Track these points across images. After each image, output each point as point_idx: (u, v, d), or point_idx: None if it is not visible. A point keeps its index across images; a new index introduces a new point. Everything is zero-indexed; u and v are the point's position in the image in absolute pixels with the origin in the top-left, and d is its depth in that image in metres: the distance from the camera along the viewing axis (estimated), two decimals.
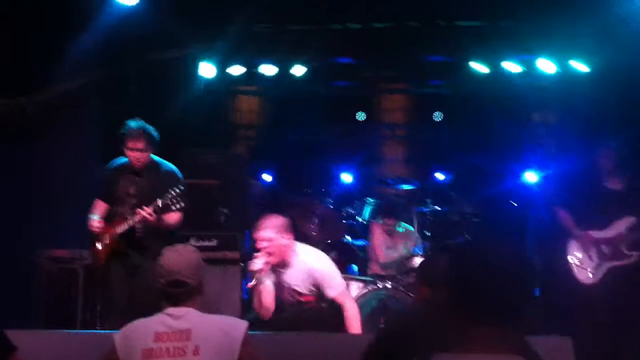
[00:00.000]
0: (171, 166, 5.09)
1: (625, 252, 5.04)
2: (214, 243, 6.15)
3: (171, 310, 2.91)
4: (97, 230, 4.98)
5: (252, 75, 8.04)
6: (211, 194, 6.61)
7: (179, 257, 3.00)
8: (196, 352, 2.80)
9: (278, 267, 4.62)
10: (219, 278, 5.91)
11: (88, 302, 5.90)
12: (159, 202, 4.79)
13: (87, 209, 5.10)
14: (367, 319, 5.53)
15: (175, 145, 5.32)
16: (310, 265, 4.60)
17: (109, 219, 5.04)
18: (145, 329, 2.89)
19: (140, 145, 4.90)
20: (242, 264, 6.00)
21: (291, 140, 8.66)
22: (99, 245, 5.01)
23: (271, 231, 4.55)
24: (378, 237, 6.69)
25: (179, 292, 2.92)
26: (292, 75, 7.92)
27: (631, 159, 5.16)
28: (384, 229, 6.64)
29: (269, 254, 4.53)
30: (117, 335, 2.94)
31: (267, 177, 8.53)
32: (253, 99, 9.31)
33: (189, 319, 2.88)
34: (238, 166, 7.14)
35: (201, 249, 5.89)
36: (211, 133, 8.12)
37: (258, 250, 4.57)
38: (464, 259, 1.75)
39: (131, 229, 4.90)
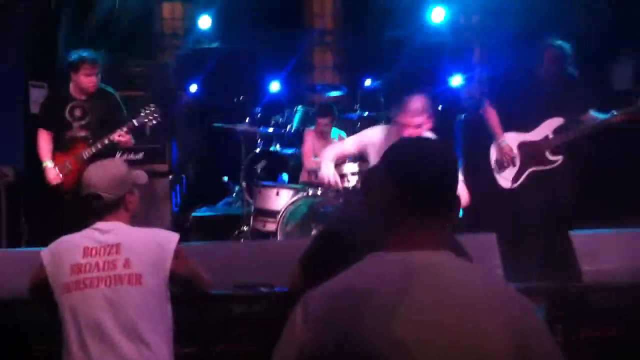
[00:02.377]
0: (109, 87, 5.14)
1: (549, 157, 4.98)
2: (140, 156, 6.05)
3: (99, 224, 2.86)
4: (56, 181, 4.92)
5: None
6: (137, 105, 6.45)
7: (98, 171, 2.94)
8: (127, 265, 2.75)
9: None
10: (146, 191, 5.82)
11: (14, 220, 5.76)
12: (135, 121, 4.86)
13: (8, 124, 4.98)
14: (298, 225, 5.61)
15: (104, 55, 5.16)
16: None
17: (61, 146, 4.95)
18: (73, 244, 2.84)
19: (96, 69, 4.95)
20: (170, 177, 5.94)
21: (218, 49, 8.45)
22: (61, 173, 4.94)
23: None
24: (309, 143, 6.68)
25: (95, 206, 2.87)
26: None
27: (566, 58, 5.05)
28: (318, 131, 6.62)
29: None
30: (45, 252, 2.88)
31: (193, 87, 8.35)
32: (177, 6, 9.00)
33: (118, 232, 2.83)
34: (164, 77, 6.95)
35: (128, 162, 5.91)
36: (136, 43, 7.86)
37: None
38: (397, 155, 1.73)
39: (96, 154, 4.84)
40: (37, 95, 5.98)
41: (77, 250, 2.79)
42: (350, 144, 4.79)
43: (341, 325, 1.52)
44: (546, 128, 5.02)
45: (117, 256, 2.77)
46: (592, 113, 4.98)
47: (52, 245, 2.90)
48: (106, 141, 4.86)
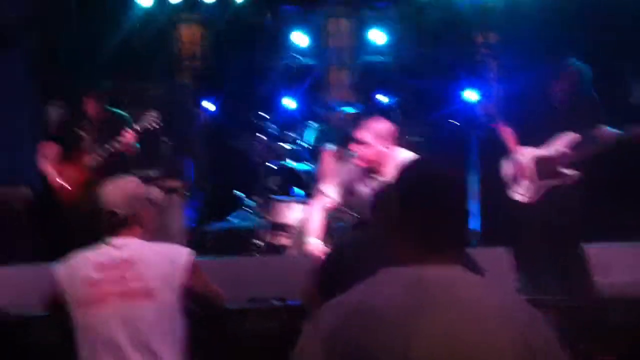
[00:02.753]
0: (122, 112, 5.31)
1: (564, 171, 4.95)
2: (156, 173, 6.10)
3: (112, 240, 2.90)
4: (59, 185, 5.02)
5: (192, 3, 7.85)
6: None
7: (112, 188, 3.00)
8: (139, 280, 2.78)
9: (373, 172, 4.32)
10: (163, 208, 5.87)
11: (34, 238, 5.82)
12: (138, 127, 4.98)
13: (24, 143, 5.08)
14: None
15: (118, 80, 5.27)
16: None
17: (71, 160, 5.14)
18: (86, 259, 2.87)
19: (103, 105, 5.20)
20: (185, 193, 5.99)
21: (235, 68, 8.52)
22: (67, 184, 5.04)
23: (370, 136, 4.29)
24: (328, 163, 6.64)
25: (110, 222, 2.91)
26: (234, 2, 7.76)
27: (585, 79, 5.04)
28: (335, 155, 6.61)
29: (361, 158, 4.29)
30: (59, 267, 2.92)
31: (210, 106, 8.41)
32: (195, 28, 9.11)
33: (130, 248, 2.87)
34: (182, 96, 7.03)
35: (144, 179, 5.97)
36: (154, 65, 7.96)
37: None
38: (407, 174, 1.75)
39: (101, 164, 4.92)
40: (56, 115, 6.07)
41: (91, 265, 2.83)
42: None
43: (351, 340, 1.53)
44: (561, 143, 5.00)
45: (130, 271, 2.80)
46: (606, 128, 4.96)
47: (66, 261, 2.93)
48: (110, 148, 4.93)
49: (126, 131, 4.94)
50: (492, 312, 1.55)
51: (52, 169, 5.09)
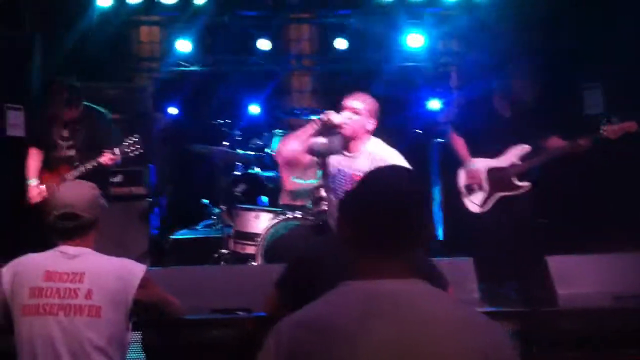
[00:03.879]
0: (99, 108, 5.20)
1: (516, 182, 5.03)
2: (118, 179, 6.03)
3: (66, 248, 2.81)
4: (37, 198, 4.93)
5: (151, 4, 7.79)
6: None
7: (74, 190, 2.92)
8: (88, 296, 2.71)
9: (346, 150, 4.32)
10: (125, 214, 5.82)
11: None
12: (117, 151, 4.91)
13: None
14: (277, 246, 5.62)
15: (75, 80, 5.16)
16: (380, 156, 4.19)
17: (48, 166, 5.03)
18: (35, 265, 2.78)
19: (77, 108, 5.01)
20: (148, 199, 5.93)
21: (196, 72, 8.47)
22: (41, 192, 4.97)
23: (361, 104, 4.26)
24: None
25: (70, 227, 2.82)
26: (194, 4, 7.70)
27: (533, 90, 5.13)
28: None
29: (350, 126, 4.23)
30: (4, 270, 2.81)
31: (172, 110, 8.35)
32: (154, 30, 9.02)
33: (84, 260, 2.79)
34: (141, 100, 6.95)
35: (109, 184, 5.90)
36: (112, 66, 7.86)
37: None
38: (362, 187, 1.78)
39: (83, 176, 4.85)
40: (14, 117, 5.95)
41: (39, 272, 2.74)
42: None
43: (307, 354, 1.58)
44: (512, 154, 5.09)
45: (80, 285, 2.72)
46: (555, 139, 5.06)
47: (13, 264, 2.83)
48: (94, 164, 4.86)
49: (106, 154, 4.85)
50: (447, 325, 1.58)
51: (35, 177, 4.98)
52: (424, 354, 1.54)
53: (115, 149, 4.91)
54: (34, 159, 5.05)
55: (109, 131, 5.10)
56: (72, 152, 5.01)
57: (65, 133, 5.03)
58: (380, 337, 1.55)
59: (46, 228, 2.87)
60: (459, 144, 5.21)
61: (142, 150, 4.99)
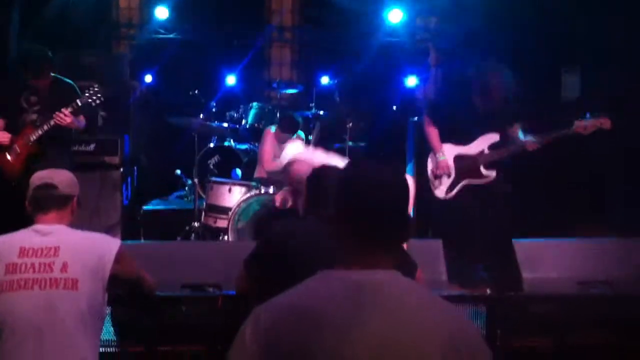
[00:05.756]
0: (69, 80, 5.13)
1: (483, 171, 5.09)
2: (92, 148, 5.99)
3: (40, 226, 2.84)
4: (5, 142, 4.90)
5: None
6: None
7: (53, 169, 3.00)
8: (64, 269, 2.73)
9: None
10: (98, 183, 5.79)
11: None
12: (78, 101, 4.83)
13: None
14: (249, 222, 5.63)
15: (53, 47, 5.10)
16: None
17: (13, 130, 4.95)
18: (10, 243, 2.80)
19: (47, 78, 4.97)
20: (121, 169, 5.89)
21: (173, 41, 8.38)
22: (9, 157, 4.92)
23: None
24: (269, 144, 6.63)
25: (48, 196, 2.86)
26: None
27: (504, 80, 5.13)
28: (277, 137, 6.59)
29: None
30: None
31: (148, 78, 8.27)
32: None
33: (58, 235, 2.81)
34: (118, 67, 6.87)
35: (79, 153, 5.87)
36: (92, 33, 7.75)
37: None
38: (347, 177, 1.79)
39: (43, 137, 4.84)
40: None
41: (14, 249, 2.76)
42: None
43: (288, 341, 1.57)
44: (482, 143, 5.14)
45: (55, 259, 2.74)
46: (518, 130, 5.09)
47: None
48: (51, 123, 4.81)
49: (63, 111, 4.79)
50: (423, 316, 1.62)
51: (6, 141, 4.94)
52: (405, 344, 1.57)
53: (77, 100, 4.85)
54: None
55: (75, 96, 4.97)
56: (35, 116, 4.96)
57: (34, 99, 4.98)
58: (372, 327, 1.57)
59: (26, 202, 2.90)
60: (432, 133, 5.25)
61: (102, 99, 4.92)
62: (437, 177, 5.20)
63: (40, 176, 2.92)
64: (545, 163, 5.59)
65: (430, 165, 5.27)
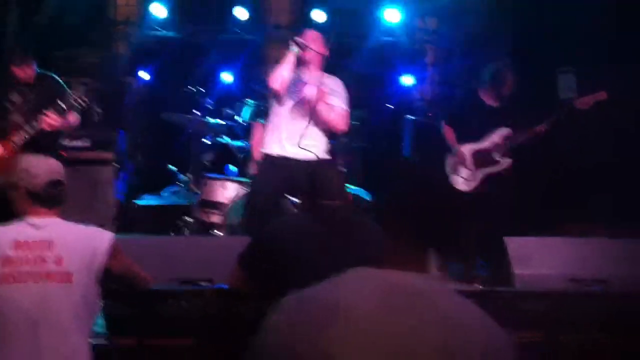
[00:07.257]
0: (49, 73, 5.07)
1: (498, 159, 5.32)
2: (87, 143, 5.99)
3: (34, 219, 2.82)
4: None
5: None
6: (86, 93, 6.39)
7: (45, 160, 2.93)
8: (58, 262, 2.74)
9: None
10: (91, 179, 5.79)
11: None
12: (62, 104, 4.73)
13: None
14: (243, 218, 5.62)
15: (51, 46, 5.10)
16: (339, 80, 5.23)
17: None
18: (4, 236, 2.79)
19: (31, 67, 4.92)
20: (116, 165, 5.89)
21: (171, 39, 8.38)
22: None
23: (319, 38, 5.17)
24: (258, 136, 6.64)
25: (57, 194, 2.84)
26: None
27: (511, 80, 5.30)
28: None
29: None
30: None
31: (144, 75, 8.26)
32: None
33: (52, 228, 2.81)
34: (115, 67, 6.88)
35: (74, 149, 5.87)
36: (89, 31, 7.76)
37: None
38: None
39: (30, 140, 4.76)
40: None
41: (8, 242, 2.75)
42: None
43: (316, 339, 1.51)
44: (495, 136, 5.40)
45: (49, 253, 2.74)
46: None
47: None
48: (35, 126, 4.76)
49: (48, 114, 4.71)
50: (453, 322, 1.59)
51: None
52: (433, 348, 1.54)
53: (59, 103, 4.76)
54: None
55: (61, 94, 4.90)
56: (19, 118, 4.89)
57: (17, 98, 4.93)
58: (402, 328, 1.51)
59: (31, 195, 2.83)
60: (449, 135, 5.51)
61: (87, 102, 4.88)
62: (456, 170, 5.36)
63: (47, 170, 2.86)
64: (535, 157, 5.69)
65: (450, 161, 5.43)
